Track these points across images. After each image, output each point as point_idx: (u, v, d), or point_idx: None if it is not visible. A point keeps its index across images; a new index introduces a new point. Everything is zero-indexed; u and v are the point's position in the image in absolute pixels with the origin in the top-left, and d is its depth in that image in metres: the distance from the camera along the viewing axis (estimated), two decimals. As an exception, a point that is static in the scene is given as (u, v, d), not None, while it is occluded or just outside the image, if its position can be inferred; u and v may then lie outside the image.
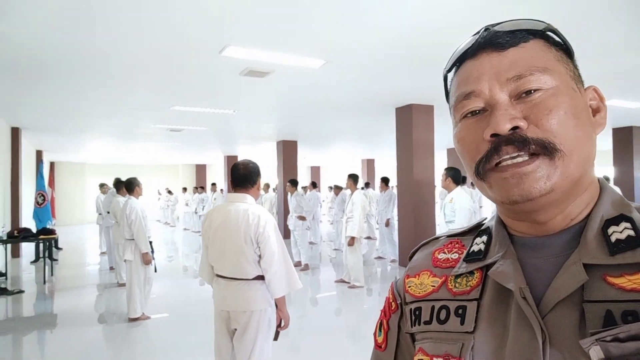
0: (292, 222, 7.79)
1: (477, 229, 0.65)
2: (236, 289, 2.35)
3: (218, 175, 21.96)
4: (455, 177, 4.50)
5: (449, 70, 0.60)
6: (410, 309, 0.64)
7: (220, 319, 2.44)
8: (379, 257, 8.82)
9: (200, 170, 22.75)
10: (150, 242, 4.89)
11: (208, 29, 3.93)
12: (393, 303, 0.69)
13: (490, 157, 0.51)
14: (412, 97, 7.04)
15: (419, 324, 0.61)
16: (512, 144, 0.49)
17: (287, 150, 12.33)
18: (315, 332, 4.46)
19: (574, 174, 0.50)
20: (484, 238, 0.60)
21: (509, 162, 0.50)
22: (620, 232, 0.48)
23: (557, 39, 0.54)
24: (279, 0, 3.36)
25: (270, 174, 15.98)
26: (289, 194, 8.07)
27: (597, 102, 0.55)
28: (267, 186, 12.18)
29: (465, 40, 0.57)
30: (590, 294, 0.46)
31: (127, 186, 5.01)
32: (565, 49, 0.55)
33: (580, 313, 0.46)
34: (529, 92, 0.50)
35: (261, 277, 2.37)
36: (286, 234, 10.47)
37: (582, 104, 0.52)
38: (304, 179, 22.20)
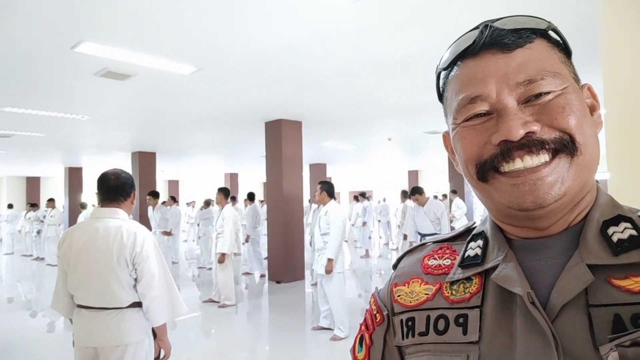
0: (155, 239, 7.15)
1: (467, 234, 0.62)
2: (106, 320, 1.99)
3: (57, 189, 19.11)
4: (329, 191, 4.64)
5: (445, 69, 0.56)
6: (401, 320, 0.59)
7: (84, 358, 2.03)
8: (247, 273, 8.64)
9: (33, 183, 19.56)
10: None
11: (59, 19, 3.38)
12: (378, 315, 0.63)
13: (498, 162, 0.49)
14: (282, 112, 7.14)
15: (413, 336, 0.57)
16: (525, 148, 0.47)
17: (145, 163, 11.38)
18: (184, 358, 4.08)
19: (585, 175, 0.49)
20: (480, 242, 0.58)
21: (521, 166, 0.47)
22: (622, 231, 0.48)
23: (557, 38, 0.54)
24: (151, -4, 3.07)
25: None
26: (150, 207, 7.41)
27: (591, 100, 0.55)
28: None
29: (461, 36, 0.54)
30: (596, 297, 0.45)
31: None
32: (564, 48, 0.54)
33: (588, 318, 0.45)
34: (538, 95, 0.48)
35: (138, 304, 2.05)
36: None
37: (585, 104, 0.52)
38: (161, 193, 20.73)
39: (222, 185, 19.58)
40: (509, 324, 0.49)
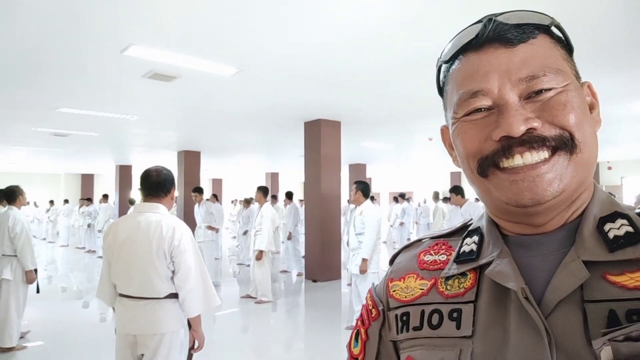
0: (200, 233, 7.39)
1: (463, 230, 0.63)
2: (145, 309, 2.10)
3: (108, 186, 20.15)
4: (364, 190, 4.63)
5: (447, 62, 0.56)
6: (396, 315, 0.60)
7: (124, 344, 2.15)
8: (285, 271, 8.75)
9: (87, 180, 20.70)
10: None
11: (110, 24, 3.58)
12: (373, 310, 0.64)
13: (498, 158, 0.49)
14: (321, 112, 7.18)
15: (407, 331, 0.57)
16: (526, 144, 0.47)
17: (189, 161, 11.77)
18: (221, 351, 4.21)
19: (583, 172, 0.49)
20: (475, 238, 0.58)
21: (521, 163, 0.47)
22: (618, 228, 0.48)
23: (560, 34, 0.53)
24: (192, 1, 3.19)
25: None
26: (196, 203, 7.68)
27: (591, 98, 0.55)
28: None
29: (464, 30, 0.54)
30: (591, 293, 0.45)
31: (8, 195, 4.32)
32: (566, 45, 0.54)
33: (583, 313, 0.45)
34: (539, 92, 0.48)
35: (174, 296, 2.15)
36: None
37: (585, 102, 0.52)
38: (205, 191, 21.36)
39: (263, 184, 19.94)
40: (502, 319, 0.49)
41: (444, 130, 0.62)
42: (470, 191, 6.34)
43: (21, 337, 4.40)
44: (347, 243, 4.84)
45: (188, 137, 9.83)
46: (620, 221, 0.48)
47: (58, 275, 8.96)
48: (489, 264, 0.53)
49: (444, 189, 20.56)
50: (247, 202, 10.27)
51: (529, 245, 0.52)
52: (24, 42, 3.94)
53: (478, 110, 0.51)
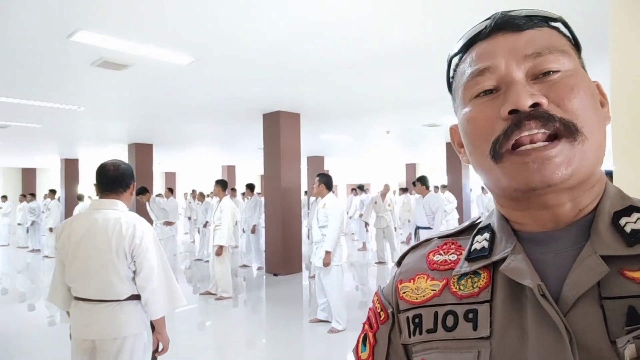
0: (157, 231, 7.11)
1: (472, 229, 0.61)
2: (104, 312, 1.97)
3: (53, 181, 19.01)
4: (327, 183, 4.62)
5: (457, 54, 0.56)
6: (407, 317, 0.58)
7: (81, 350, 2.01)
8: (244, 266, 8.63)
9: (29, 175, 19.43)
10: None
11: (56, 6, 3.32)
12: (382, 313, 0.62)
13: (511, 134, 0.47)
14: (280, 104, 7.09)
15: (420, 333, 0.55)
16: (534, 119, 0.46)
17: (141, 154, 11.31)
18: (181, 350, 4.07)
19: (591, 160, 0.48)
20: (486, 235, 0.56)
21: (529, 147, 0.47)
22: (634, 222, 0.47)
23: (567, 32, 0.54)
24: (149, -16, 3.02)
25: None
26: (146, 202, 7.37)
27: (600, 98, 0.54)
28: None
29: (474, 26, 0.54)
30: (609, 289, 0.44)
31: None
32: (574, 43, 0.54)
33: (602, 310, 0.44)
34: (547, 74, 0.48)
35: (136, 297, 2.03)
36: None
37: (596, 92, 0.52)
38: (158, 185, 20.64)
39: (219, 177, 19.54)
40: (520, 318, 0.48)
41: (453, 130, 0.61)
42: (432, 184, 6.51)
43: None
44: (308, 236, 4.81)
45: (140, 129, 9.42)
46: (636, 215, 0.48)
47: (-1, 277, 8.37)
48: (502, 260, 0.52)
49: (400, 180, 20.97)
50: (202, 196, 10.03)
51: (542, 242, 0.51)
52: (-45, 24, 3.59)
53: (486, 92, 0.51)
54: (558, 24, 0.53)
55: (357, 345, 0.65)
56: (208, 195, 12.05)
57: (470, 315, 0.52)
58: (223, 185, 6.07)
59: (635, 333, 0.41)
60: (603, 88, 0.56)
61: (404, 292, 0.59)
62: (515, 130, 0.47)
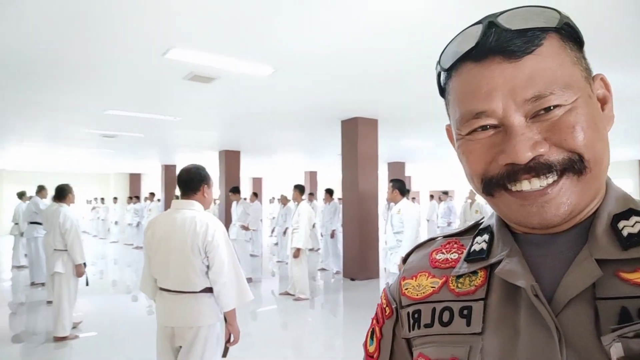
0: (234, 231, 7.56)
1: (475, 229, 0.62)
2: (182, 303, 2.18)
3: (155, 185, 20.96)
4: (401, 188, 4.58)
5: (445, 70, 0.53)
6: (408, 313, 0.60)
7: (163, 336, 2.24)
8: (323, 269, 8.79)
9: (135, 179, 21.63)
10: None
11: (151, 29, 3.73)
12: (387, 308, 0.65)
13: (503, 182, 0.48)
14: (358, 111, 7.16)
15: (419, 328, 0.58)
16: (532, 172, 0.46)
17: (230, 161, 12.05)
18: (259, 346, 4.29)
19: (594, 186, 0.48)
20: (486, 237, 0.58)
21: (528, 188, 0.46)
22: (632, 226, 0.47)
23: (569, 30, 0.49)
24: (229, 3, 3.26)
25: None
26: (234, 202, 7.87)
27: (603, 91, 0.52)
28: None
29: (462, 33, 0.50)
30: (603, 291, 0.44)
31: (59, 193, 4.62)
32: (576, 40, 0.50)
33: (594, 311, 0.44)
34: (547, 109, 0.46)
35: (209, 290, 2.21)
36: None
37: (597, 108, 0.49)
38: (245, 190, 21.80)
39: (302, 182, 20.08)
40: (513, 316, 0.49)
41: (449, 129, 0.60)
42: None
43: (73, 327, 4.65)
44: (386, 242, 4.81)
45: (228, 137, 10.06)
46: (634, 218, 0.47)
47: (109, 270, 9.43)
48: (499, 262, 0.53)
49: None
50: (286, 199, 10.39)
51: (540, 244, 0.51)
52: (73, 48, 4.17)
53: (483, 127, 0.49)
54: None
55: (366, 340, 0.68)
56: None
57: (465, 312, 0.53)
58: (300, 190, 6.28)
59: (620, 332, 0.41)
60: (607, 80, 0.53)
61: (406, 289, 0.62)
62: (507, 181, 0.47)
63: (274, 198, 18.35)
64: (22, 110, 6.85)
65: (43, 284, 6.87)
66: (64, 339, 4.40)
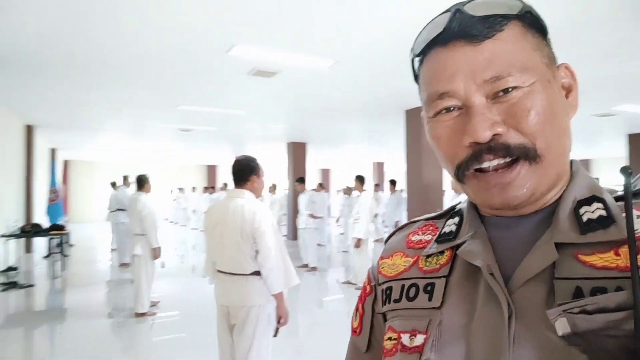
0: (302, 220, 7.80)
1: (450, 212, 0.66)
2: (235, 284, 2.37)
3: (229, 175, 22.02)
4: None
5: (417, 56, 0.57)
6: (382, 289, 0.64)
7: (220, 314, 2.46)
8: (386, 260, 8.76)
9: (211, 170, 22.88)
10: (157, 238, 4.95)
11: (215, 28, 3.96)
12: (368, 286, 0.70)
13: (471, 164, 0.50)
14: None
15: (389, 303, 0.62)
16: (492, 151, 0.49)
17: (297, 152, 12.34)
18: (323, 334, 4.44)
19: (551, 173, 0.50)
20: (456, 220, 0.61)
21: (490, 169, 0.49)
22: (592, 212, 0.49)
23: (532, 18, 0.51)
24: (286, -1, 3.37)
25: (281, 175, 15.95)
26: (300, 193, 8.12)
27: (568, 79, 0.54)
28: (273, 187, 11.98)
29: (432, 20, 0.53)
30: (561, 271, 0.47)
31: (138, 182, 5.11)
32: (539, 28, 0.52)
33: (549, 289, 0.46)
34: (506, 90, 0.48)
35: (259, 273, 2.37)
36: (294, 235, 10.47)
37: (557, 94, 0.51)
38: (313, 181, 22.21)
39: (370, 173, 20.03)
40: (472, 293, 0.52)
41: (424, 118, 0.63)
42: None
43: (152, 305, 5.13)
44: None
45: (294, 129, 10.31)
46: (595, 205, 0.49)
47: (189, 255, 10.15)
48: (464, 243, 0.56)
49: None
50: (349, 190, 10.48)
51: (505, 226, 0.54)
52: (148, 50, 4.55)
53: (448, 109, 0.51)
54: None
55: (352, 317, 0.73)
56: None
57: (429, 288, 0.57)
58: (361, 181, 6.32)
59: (566, 306, 0.43)
60: (572, 69, 0.55)
61: (383, 267, 0.66)
62: (474, 162, 0.50)
63: (342, 189, 18.52)
64: (108, 108, 7.56)
65: (129, 265, 7.60)
66: (142, 314, 4.87)
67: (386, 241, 0.73)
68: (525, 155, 0.48)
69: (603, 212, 0.48)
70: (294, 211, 10.84)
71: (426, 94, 0.54)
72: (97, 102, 7.12)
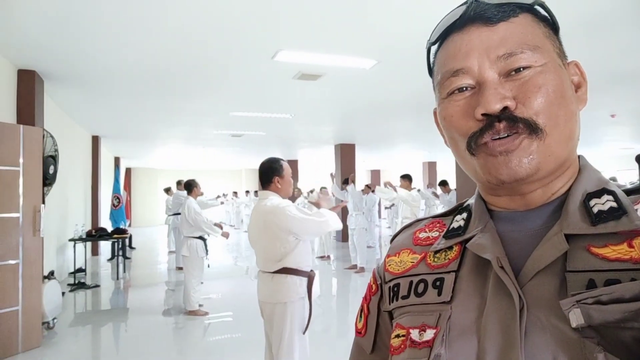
0: (352, 220, 7.81)
1: (458, 209, 0.66)
2: (265, 280, 2.50)
3: (279, 179, 22.41)
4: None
5: (434, 43, 0.59)
6: (389, 287, 0.64)
7: (260, 309, 2.63)
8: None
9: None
10: (204, 240, 5.14)
11: (260, 35, 4.07)
12: (373, 285, 0.69)
13: (484, 134, 0.51)
14: (470, 96, 6.79)
15: (397, 300, 0.61)
16: (504, 122, 0.50)
17: (345, 154, 12.35)
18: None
19: (557, 152, 0.50)
20: (464, 215, 0.61)
21: (497, 140, 0.50)
22: (603, 203, 0.48)
23: (544, 13, 0.54)
24: (329, 3, 3.40)
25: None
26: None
27: (578, 77, 0.55)
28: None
29: (450, 12, 0.56)
30: (573, 264, 0.46)
31: (186, 187, 5.36)
32: (551, 24, 0.54)
33: (560, 282, 0.46)
34: (518, 70, 0.50)
35: (285, 271, 2.44)
36: (344, 236, 10.47)
37: (568, 81, 0.53)
38: (363, 182, 22.11)
39: (420, 173, 19.66)
40: (481, 287, 0.52)
41: (435, 113, 0.63)
42: None
43: (200, 305, 5.33)
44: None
45: (341, 131, 10.33)
46: (606, 197, 0.49)
47: (242, 257, 10.45)
48: (473, 238, 0.56)
49: (633, 175, 17.07)
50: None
51: (514, 220, 0.54)
52: (198, 60, 4.76)
53: (461, 90, 0.53)
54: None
55: (356, 317, 0.73)
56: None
57: (437, 283, 0.56)
58: (409, 180, 6.24)
59: (579, 297, 0.42)
60: (582, 67, 0.56)
61: (389, 265, 0.66)
62: (487, 131, 0.50)
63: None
64: (165, 117, 7.98)
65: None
66: (192, 312, 5.09)
67: (392, 239, 0.72)
68: (527, 129, 0.49)
69: (614, 204, 0.48)
70: (342, 212, 10.86)
71: (440, 75, 0.56)
72: (155, 112, 7.55)
